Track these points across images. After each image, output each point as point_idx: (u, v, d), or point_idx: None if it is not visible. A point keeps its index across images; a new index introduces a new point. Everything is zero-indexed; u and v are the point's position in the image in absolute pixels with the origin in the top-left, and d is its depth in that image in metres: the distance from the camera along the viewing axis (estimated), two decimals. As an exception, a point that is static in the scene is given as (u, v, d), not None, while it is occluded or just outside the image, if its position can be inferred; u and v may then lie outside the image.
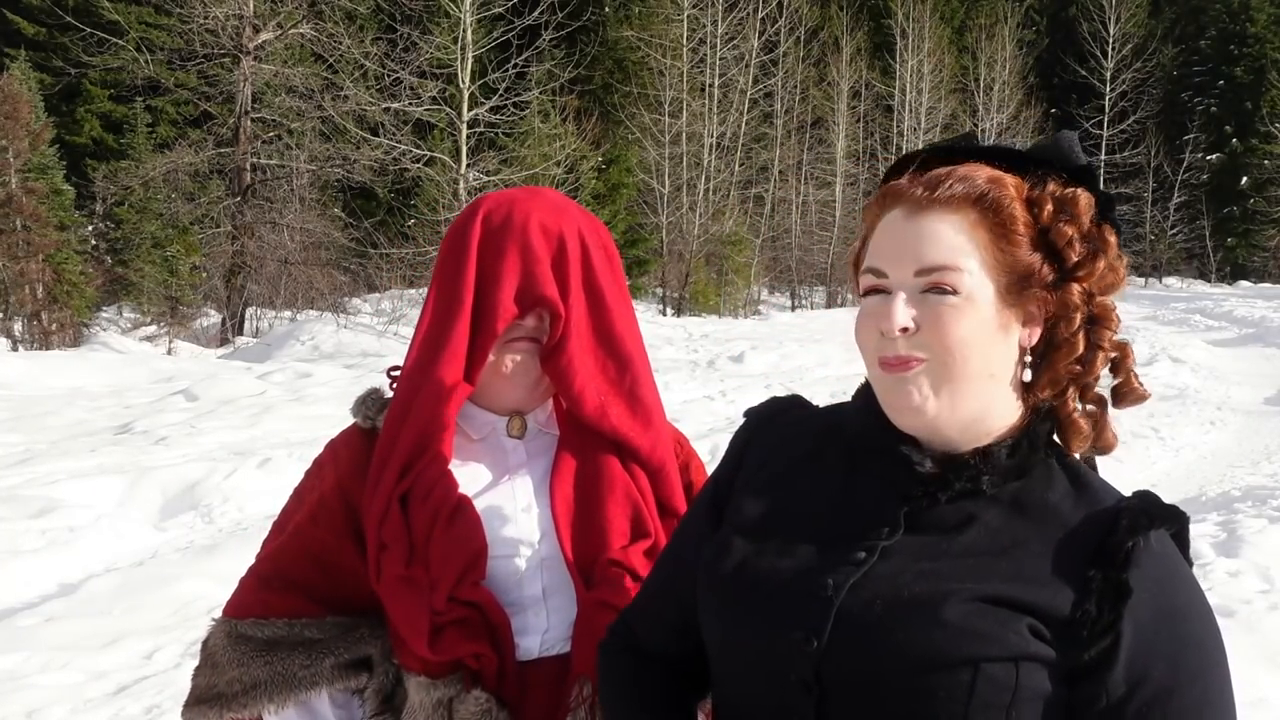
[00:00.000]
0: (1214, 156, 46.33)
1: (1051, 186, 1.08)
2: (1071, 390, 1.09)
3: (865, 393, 1.15)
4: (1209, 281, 43.03)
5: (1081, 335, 1.08)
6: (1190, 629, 1.01)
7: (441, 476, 1.41)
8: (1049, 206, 1.07)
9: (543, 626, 1.42)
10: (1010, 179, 1.08)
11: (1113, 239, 1.09)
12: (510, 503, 1.45)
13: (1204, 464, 8.54)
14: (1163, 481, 7.86)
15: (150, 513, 6.45)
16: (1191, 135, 45.03)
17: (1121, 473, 7.72)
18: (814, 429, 1.22)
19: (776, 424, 1.24)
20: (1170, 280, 43.39)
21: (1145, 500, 1.05)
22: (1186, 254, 46.01)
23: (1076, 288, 1.07)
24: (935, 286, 1.04)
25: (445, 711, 1.36)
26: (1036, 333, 1.08)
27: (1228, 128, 45.99)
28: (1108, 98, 43.69)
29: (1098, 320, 1.09)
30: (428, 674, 1.38)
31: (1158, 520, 1.03)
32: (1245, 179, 44.97)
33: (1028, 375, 1.10)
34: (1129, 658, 0.98)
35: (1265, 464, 8.39)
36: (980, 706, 0.97)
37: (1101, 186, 1.12)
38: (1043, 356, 1.09)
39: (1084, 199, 1.08)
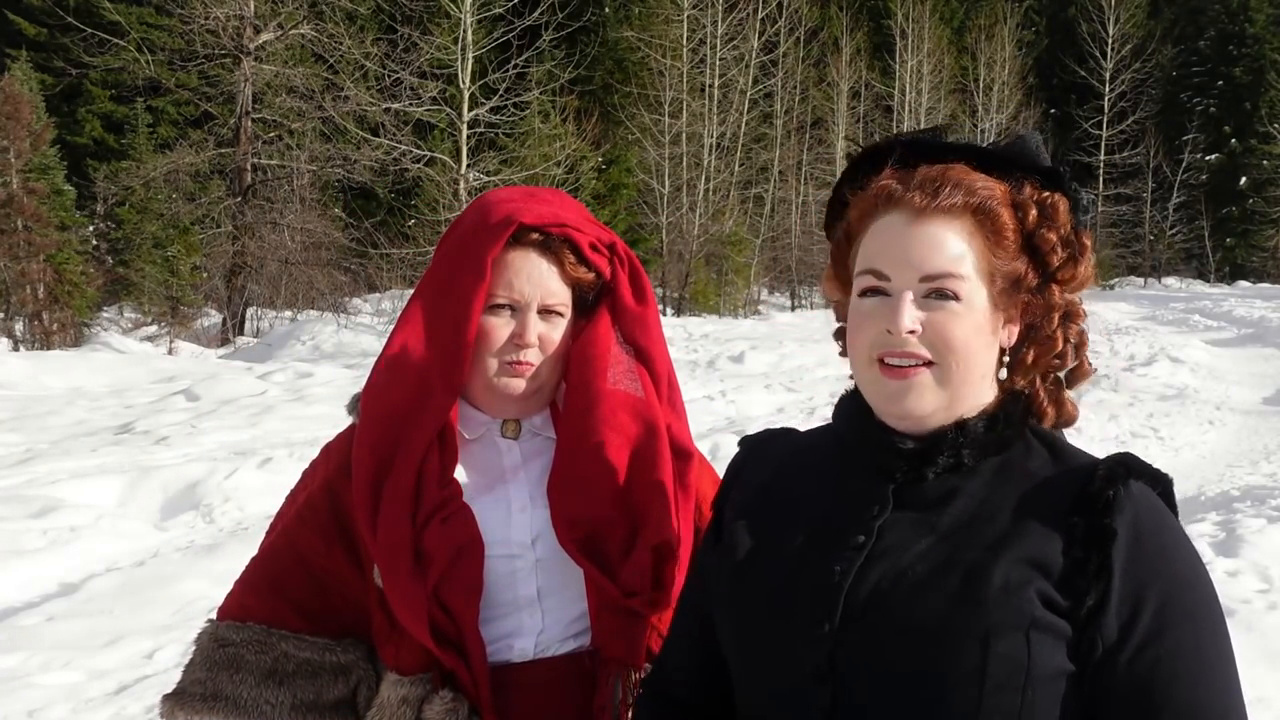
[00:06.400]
0: (1213, 157, 46.31)
1: (1029, 190, 1.12)
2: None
3: (847, 402, 1.19)
4: (1208, 281, 42.98)
5: (1059, 333, 1.14)
6: (1178, 569, 1.02)
7: (444, 470, 1.42)
8: (1033, 212, 1.11)
9: (537, 628, 1.43)
10: (998, 186, 1.11)
11: (1088, 242, 1.14)
12: (505, 504, 1.45)
13: (1203, 464, 8.53)
14: (1162, 481, 7.87)
15: (151, 512, 6.46)
16: (1190, 135, 45.02)
17: (1121, 473, 7.69)
18: (806, 445, 1.26)
19: (769, 446, 1.28)
20: (1169, 280, 43.35)
21: (1124, 456, 1.09)
22: (1185, 254, 45.99)
23: (1057, 289, 1.13)
24: (938, 291, 1.07)
25: (412, 710, 1.36)
26: (1015, 332, 1.13)
27: (1227, 128, 45.96)
28: (1107, 98, 43.68)
29: (1069, 315, 1.15)
30: (399, 670, 1.38)
31: (1136, 473, 1.06)
32: (1244, 179, 44.95)
33: (1003, 373, 1.14)
34: (1118, 601, 1.00)
35: (1264, 463, 8.40)
36: (994, 688, 0.98)
37: (1080, 186, 1.16)
38: (1016, 351, 1.14)
39: (1063, 205, 1.12)
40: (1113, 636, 0.99)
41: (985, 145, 1.15)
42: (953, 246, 1.07)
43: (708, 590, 1.21)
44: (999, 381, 1.14)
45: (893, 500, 1.10)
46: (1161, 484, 1.07)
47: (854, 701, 1.04)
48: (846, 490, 1.13)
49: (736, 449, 1.32)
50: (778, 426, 1.36)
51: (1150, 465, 1.08)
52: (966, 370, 1.07)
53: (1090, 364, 1.18)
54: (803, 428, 1.34)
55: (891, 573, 1.05)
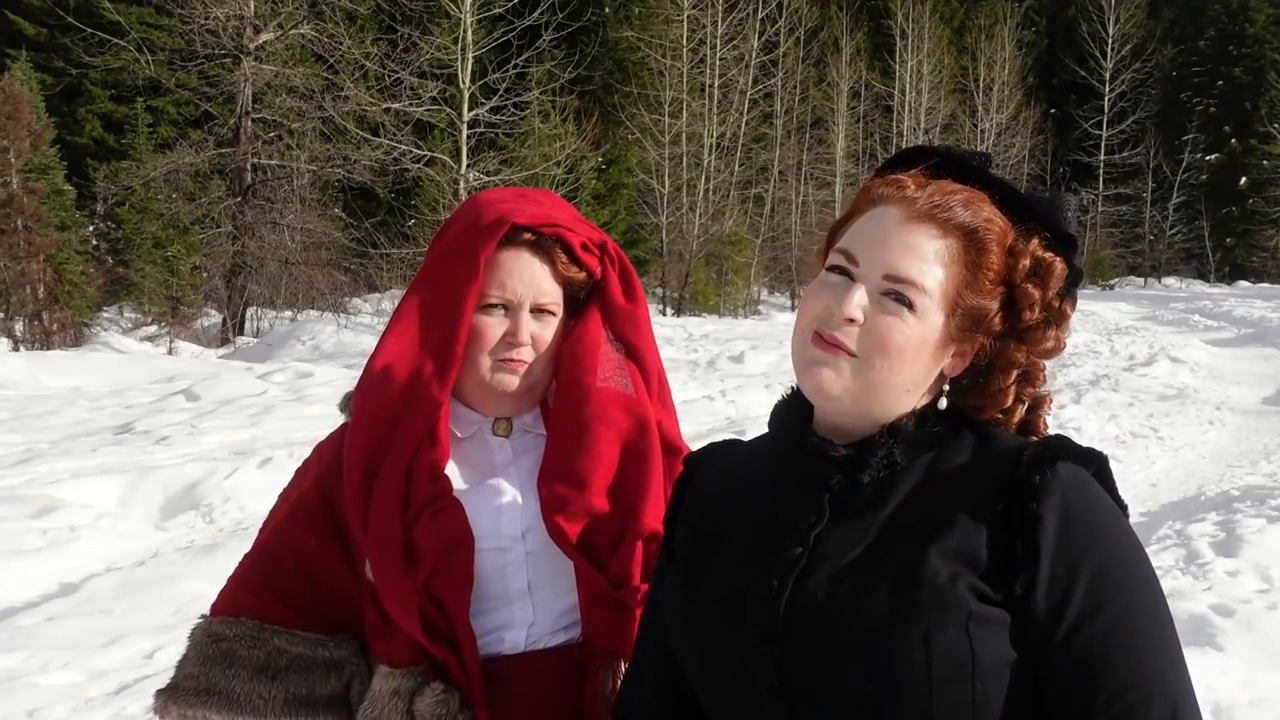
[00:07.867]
0: (1213, 157, 46.30)
1: (1035, 243, 1.11)
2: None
3: (781, 411, 1.19)
4: (1208, 281, 42.98)
5: (1012, 389, 1.13)
6: (1110, 546, 1.02)
7: (435, 466, 1.43)
8: (1025, 263, 1.10)
9: (528, 620, 1.44)
10: (1001, 223, 1.10)
11: (1069, 313, 1.13)
12: (495, 498, 1.47)
13: (1203, 464, 8.54)
14: (1162, 481, 7.86)
15: (151, 512, 6.46)
16: (1190, 135, 44.97)
17: (1121, 472, 7.69)
18: (745, 454, 1.26)
19: (712, 460, 1.29)
20: (1169, 280, 43.35)
21: (1052, 439, 1.09)
22: (1185, 254, 46.00)
23: (1023, 348, 1.11)
24: (896, 294, 1.06)
25: (404, 703, 1.37)
26: (960, 366, 1.12)
27: (1226, 128, 45.96)
28: (1107, 98, 43.69)
29: (1026, 378, 1.14)
30: (391, 663, 1.39)
31: (1064, 455, 1.05)
32: (1244, 179, 44.95)
33: (943, 403, 1.14)
34: (1048, 584, 1.00)
35: (1264, 463, 8.40)
36: (943, 683, 0.98)
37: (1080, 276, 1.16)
38: (967, 393, 1.13)
39: (1059, 269, 1.11)
40: (1044, 618, 0.99)
41: (1023, 193, 1.14)
42: (928, 259, 1.06)
43: (663, 614, 1.21)
44: (930, 393, 1.13)
45: (829, 508, 1.09)
46: (1095, 463, 1.07)
47: (809, 713, 1.04)
48: (783, 501, 1.13)
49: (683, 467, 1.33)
50: (721, 439, 1.37)
51: (1080, 445, 1.07)
52: (888, 376, 1.06)
53: (1046, 430, 1.17)
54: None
55: (826, 582, 1.05)
